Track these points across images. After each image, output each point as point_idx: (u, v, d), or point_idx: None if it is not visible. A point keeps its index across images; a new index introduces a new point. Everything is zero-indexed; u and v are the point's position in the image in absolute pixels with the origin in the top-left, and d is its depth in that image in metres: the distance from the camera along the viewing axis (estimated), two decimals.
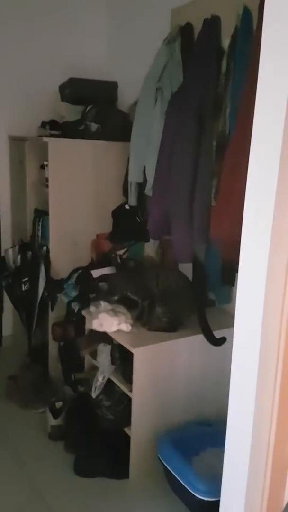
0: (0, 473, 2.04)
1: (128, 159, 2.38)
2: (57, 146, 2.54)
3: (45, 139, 2.54)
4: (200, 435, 1.98)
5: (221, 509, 1.61)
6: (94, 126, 2.61)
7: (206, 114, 1.96)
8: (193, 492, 1.74)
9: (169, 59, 2.13)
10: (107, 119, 2.63)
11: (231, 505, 1.57)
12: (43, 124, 2.75)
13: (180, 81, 2.10)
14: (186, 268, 2.33)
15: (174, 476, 1.83)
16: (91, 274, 2.51)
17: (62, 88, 2.80)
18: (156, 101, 2.17)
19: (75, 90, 2.71)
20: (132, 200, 2.45)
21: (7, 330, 3.22)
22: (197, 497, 1.73)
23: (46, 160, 2.58)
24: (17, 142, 2.93)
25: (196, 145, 1.99)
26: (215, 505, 1.63)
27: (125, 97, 2.79)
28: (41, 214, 2.82)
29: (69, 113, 2.72)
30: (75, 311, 2.44)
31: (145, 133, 2.23)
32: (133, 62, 2.73)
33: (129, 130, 2.35)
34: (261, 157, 1.24)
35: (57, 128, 2.69)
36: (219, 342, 2.01)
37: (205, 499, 1.71)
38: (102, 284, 2.36)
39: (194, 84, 1.97)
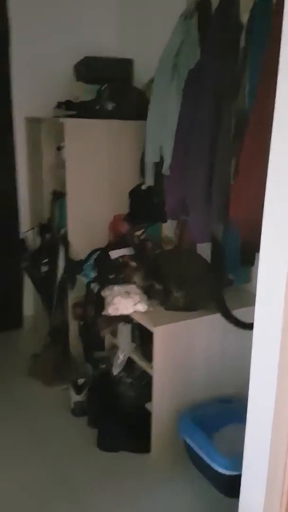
0: (24, 448, 2.12)
1: (145, 138, 2.36)
2: (73, 127, 2.53)
3: (61, 119, 2.53)
4: (221, 412, 2.02)
5: (243, 483, 1.66)
6: (110, 105, 2.59)
7: (224, 91, 1.92)
8: (214, 467, 1.78)
9: (185, 35, 2.08)
10: (123, 98, 2.61)
11: (253, 479, 1.61)
12: (59, 105, 2.74)
13: (197, 58, 2.06)
14: (204, 248, 2.34)
15: (195, 451, 1.88)
16: (109, 255, 2.53)
17: (77, 67, 2.78)
18: (172, 78, 2.14)
19: (90, 69, 2.69)
20: (149, 181, 2.44)
21: (28, 311, 3.29)
22: (219, 472, 1.77)
23: (63, 142, 2.58)
24: (33, 124, 2.93)
25: (214, 123, 1.96)
26: (237, 479, 1.68)
27: (141, 75, 2.75)
28: (59, 196, 2.83)
29: (85, 92, 2.70)
30: (95, 291, 2.48)
31: (161, 111, 2.20)
32: (149, 39, 2.67)
33: (145, 108, 2.32)
34: (284, 134, 1.22)
35: (73, 108, 2.68)
36: (242, 324, 2.01)
37: (227, 473, 1.76)
38: (124, 265, 2.39)
39: (211, 60, 1.93)
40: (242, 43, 1.86)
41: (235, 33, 1.87)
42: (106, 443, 2.09)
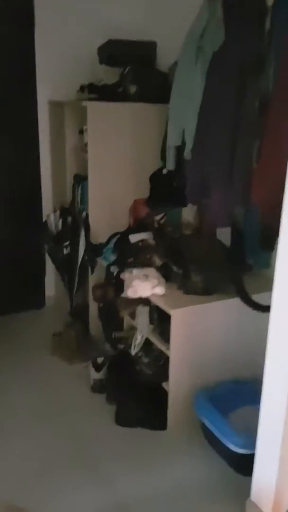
0: (45, 422, 2.21)
1: (167, 121, 2.36)
2: (96, 110, 2.55)
3: (84, 103, 2.55)
4: (236, 393, 2.06)
5: (256, 461, 1.70)
6: (132, 88, 2.59)
7: (248, 74, 1.91)
8: (229, 445, 1.83)
9: (210, 17, 2.06)
10: (146, 81, 2.60)
11: (267, 458, 1.65)
12: (82, 88, 2.76)
13: (222, 40, 2.04)
14: (224, 233, 2.35)
15: (210, 430, 1.93)
16: (128, 239, 2.57)
17: (100, 50, 2.77)
18: (196, 60, 2.12)
19: (114, 51, 2.68)
20: (170, 164, 2.44)
21: (50, 291, 3.38)
22: (233, 450, 1.82)
23: (85, 125, 2.61)
24: (56, 107, 2.96)
25: (238, 105, 1.95)
26: (250, 458, 1.73)
27: (165, 57, 2.73)
28: (81, 180, 2.87)
29: (108, 75, 2.71)
30: (114, 274, 2.52)
31: (185, 94, 2.20)
32: (173, 21, 2.64)
33: (168, 91, 2.30)
34: None
35: (96, 91, 2.69)
36: (260, 307, 2.03)
37: (241, 451, 1.80)
38: (143, 249, 2.42)
39: (236, 43, 1.91)
40: (267, 25, 1.84)
41: (260, 15, 1.85)
42: (124, 419, 2.17)
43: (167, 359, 2.09)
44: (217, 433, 1.88)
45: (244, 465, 1.80)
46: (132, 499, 1.79)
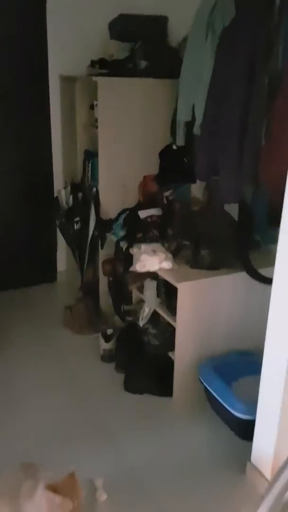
0: (57, 388, 2.32)
1: (177, 97, 2.37)
2: (106, 85, 2.57)
3: (94, 78, 2.57)
4: (240, 363, 2.14)
5: (257, 426, 1.79)
6: (143, 64, 2.60)
7: (258, 51, 1.91)
8: (231, 411, 1.92)
9: None
10: (157, 56, 2.60)
11: (266, 422, 1.73)
12: (93, 63, 2.77)
13: (232, 16, 2.03)
14: (232, 210, 2.38)
15: (214, 396, 2.01)
16: (138, 214, 2.62)
17: (112, 25, 2.77)
18: (207, 36, 2.12)
19: (125, 26, 2.68)
20: (180, 140, 2.47)
21: (61, 266, 3.46)
22: (236, 416, 1.91)
23: (96, 100, 2.62)
24: (67, 82, 2.97)
25: (248, 82, 1.95)
26: (251, 423, 1.81)
27: (176, 32, 2.72)
28: (91, 156, 2.90)
29: (118, 50, 2.71)
30: (123, 249, 2.59)
31: (195, 69, 2.20)
32: None
33: (179, 67, 2.31)
34: None
35: (106, 66, 2.70)
36: (266, 279, 2.07)
37: (243, 417, 1.89)
38: (152, 225, 2.47)
39: (246, 19, 1.91)
40: (277, 2, 1.83)
41: None
42: (132, 386, 2.27)
43: (173, 330, 2.17)
44: (220, 400, 1.97)
45: (245, 430, 1.89)
46: (138, 460, 1.90)
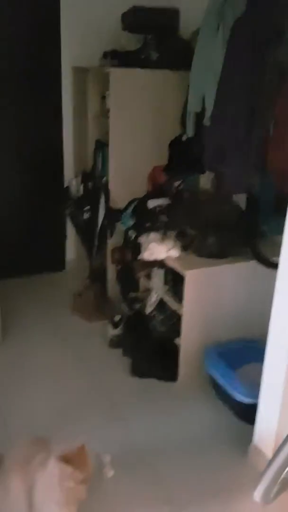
0: (66, 372, 2.39)
1: (188, 88, 2.41)
2: (118, 76, 2.61)
3: (106, 69, 2.61)
4: (244, 351, 2.19)
5: (259, 409, 1.85)
6: (155, 55, 2.64)
7: (268, 42, 1.95)
8: (235, 395, 1.98)
9: None
10: (168, 47, 2.64)
11: (269, 406, 1.79)
12: (105, 54, 2.81)
13: (244, 7, 2.06)
14: (239, 200, 2.43)
15: (218, 381, 2.07)
16: (147, 204, 2.67)
17: (124, 16, 2.80)
18: (218, 28, 2.16)
19: (137, 18, 2.71)
20: (190, 131, 2.50)
21: (70, 255, 3.52)
22: (239, 400, 1.97)
23: (108, 91, 2.67)
24: (80, 73, 3.02)
25: (257, 73, 1.99)
26: (254, 407, 1.87)
27: (187, 24, 2.74)
28: (102, 146, 2.95)
29: (130, 42, 2.75)
30: (132, 238, 2.64)
31: (206, 61, 2.24)
32: None
33: (190, 58, 2.35)
34: None
35: (119, 57, 2.74)
36: (273, 264, 2.11)
37: (246, 401, 1.95)
38: (160, 214, 2.52)
39: (257, 11, 1.94)
40: None
41: None
42: (138, 371, 2.33)
43: (179, 317, 2.23)
44: (224, 384, 2.03)
45: (248, 413, 1.94)
46: (143, 439, 1.97)
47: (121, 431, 2.01)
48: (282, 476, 1.36)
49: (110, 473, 1.77)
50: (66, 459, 1.38)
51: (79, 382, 2.31)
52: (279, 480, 1.35)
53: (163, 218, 2.51)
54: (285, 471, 1.35)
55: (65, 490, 1.40)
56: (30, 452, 1.51)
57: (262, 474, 1.36)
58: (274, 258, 1.88)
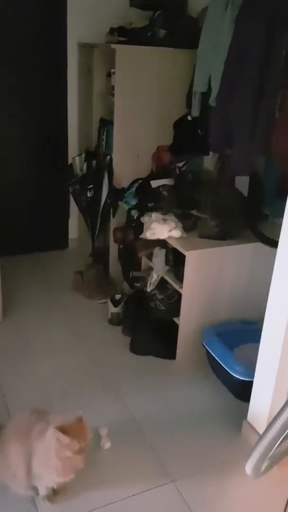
0: (68, 348, 2.44)
1: (194, 67, 2.38)
2: (125, 53, 2.58)
3: (113, 46, 2.58)
4: (242, 331, 2.23)
5: (254, 387, 1.89)
6: (162, 33, 2.60)
7: (277, 23, 1.91)
8: (231, 373, 2.02)
9: None
10: (176, 25, 2.60)
11: (263, 384, 1.83)
12: (111, 31, 2.77)
13: None
14: (243, 182, 2.42)
15: (215, 359, 2.11)
16: (150, 184, 2.67)
17: None
18: (226, 6, 2.12)
19: None
20: (195, 111, 2.49)
21: (73, 234, 3.55)
22: (235, 377, 2.01)
23: (113, 68, 2.64)
24: (86, 49, 2.98)
25: (265, 54, 1.97)
26: (249, 385, 1.91)
27: (195, 3, 2.70)
28: (106, 124, 2.93)
29: (138, 19, 2.70)
30: (135, 217, 2.65)
31: (213, 40, 2.21)
32: None
33: (197, 37, 2.32)
34: None
35: (125, 34, 2.71)
36: (275, 243, 2.12)
37: (242, 378, 1.99)
38: (164, 194, 2.52)
39: None
40: None
41: None
42: (138, 348, 2.38)
43: (179, 297, 2.26)
44: (221, 362, 2.07)
45: (243, 391, 1.99)
46: (140, 413, 2.02)
47: (119, 405, 2.07)
48: (272, 451, 1.40)
49: (107, 445, 1.83)
50: (64, 430, 1.43)
51: (79, 358, 2.36)
52: (269, 455, 1.39)
53: (166, 198, 2.52)
54: (275, 446, 1.39)
55: (62, 459, 1.45)
56: (29, 422, 1.55)
57: (253, 448, 1.40)
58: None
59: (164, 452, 1.84)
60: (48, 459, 1.48)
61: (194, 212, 2.37)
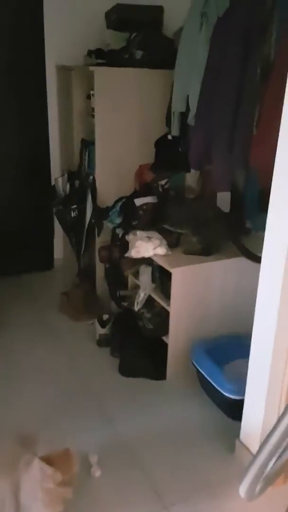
0: (55, 371, 2.39)
1: (172, 87, 2.41)
2: (103, 75, 2.60)
3: (91, 68, 2.60)
4: (232, 346, 2.20)
5: (245, 406, 1.86)
6: (139, 54, 2.63)
7: (251, 40, 1.95)
8: (222, 391, 1.99)
9: None
10: (152, 46, 2.63)
11: (254, 403, 1.81)
12: (89, 53, 2.80)
13: (227, 5, 2.07)
14: (225, 197, 2.44)
15: (206, 378, 2.09)
16: (134, 202, 2.67)
17: (108, 14, 2.79)
18: (201, 27, 2.16)
19: (121, 16, 2.70)
20: (175, 130, 2.51)
21: (58, 253, 3.52)
22: (226, 396, 1.98)
23: (92, 90, 2.66)
24: (64, 72, 3.00)
25: (240, 71, 2.00)
26: (241, 404, 1.89)
27: (171, 22, 2.75)
28: (88, 144, 2.94)
29: (115, 40, 2.74)
30: (119, 236, 2.64)
31: (189, 60, 2.24)
32: None
33: (174, 57, 2.35)
34: None
35: (103, 56, 2.73)
36: (258, 259, 2.13)
37: (233, 397, 1.96)
38: (142, 215, 2.53)
39: (240, 8, 1.95)
40: None
41: None
42: (127, 370, 2.34)
43: (167, 314, 2.24)
44: (211, 381, 2.04)
45: (234, 410, 1.96)
46: (131, 436, 1.98)
47: (109, 430, 2.02)
48: (266, 472, 1.37)
49: (97, 472, 1.78)
50: (49, 461, 1.39)
51: (67, 382, 2.31)
52: (263, 477, 1.36)
53: (150, 216, 2.52)
54: (269, 468, 1.36)
55: (46, 491, 1.40)
56: (16, 453, 1.51)
57: (246, 470, 1.37)
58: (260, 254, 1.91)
59: (157, 477, 1.80)
60: (35, 490, 1.43)
61: (178, 228, 2.37)
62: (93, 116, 2.71)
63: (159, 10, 2.79)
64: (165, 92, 2.60)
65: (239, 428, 1.91)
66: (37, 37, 2.98)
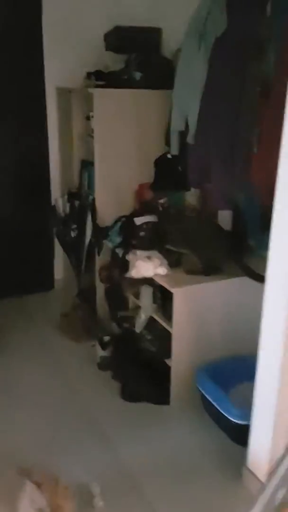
0: (55, 395, 2.33)
1: (171, 107, 2.41)
2: (102, 96, 2.61)
3: (90, 90, 2.62)
4: (237, 369, 2.14)
5: (252, 431, 1.80)
6: (138, 75, 2.65)
7: (249, 59, 1.96)
8: (228, 417, 1.92)
9: (213, 4, 2.10)
10: (151, 67, 2.66)
11: (261, 428, 1.74)
12: (89, 75, 2.82)
13: (224, 27, 2.08)
14: (226, 215, 2.42)
15: (211, 402, 2.02)
16: (134, 221, 2.65)
17: (107, 36, 2.83)
18: (199, 47, 2.17)
19: (120, 38, 2.74)
20: (174, 149, 2.51)
21: (58, 274, 3.48)
22: (232, 421, 1.92)
23: (92, 111, 2.67)
24: (64, 94, 3.02)
25: (239, 91, 2.00)
26: (247, 429, 1.82)
27: (170, 43, 2.78)
28: (87, 165, 2.95)
29: (114, 62, 2.77)
30: (120, 256, 2.61)
31: (188, 80, 2.25)
32: (178, 7, 2.68)
33: (172, 77, 2.36)
34: None
35: (102, 78, 2.75)
36: (261, 278, 2.09)
37: (239, 422, 1.90)
38: (142, 235, 2.50)
39: (238, 29, 1.96)
40: (268, 12, 1.88)
41: (261, 2, 1.89)
42: (129, 395, 2.27)
43: (169, 336, 2.19)
44: (217, 406, 1.98)
45: (241, 435, 1.89)
46: (135, 464, 1.91)
47: (111, 458, 1.95)
48: (275, 502, 1.31)
49: (99, 503, 1.70)
50: (47, 492, 1.33)
51: (67, 406, 2.25)
52: (272, 507, 1.30)
53: (150, 235, 2.49)
54: (278, 498, 1.30)
55: None
56: (14, 484, 1.45)
57: (254, 500, 1.31)
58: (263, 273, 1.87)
59: (161, 507, 1.72)
60: None
61: (178, 248, 2.34)
62: (92, 137, 2.72)
63: (158, 31, 2.82)
64: (164, 112, 2.60)
65: (246, 453, 1.84)
66: (37, 59, 3.01)
